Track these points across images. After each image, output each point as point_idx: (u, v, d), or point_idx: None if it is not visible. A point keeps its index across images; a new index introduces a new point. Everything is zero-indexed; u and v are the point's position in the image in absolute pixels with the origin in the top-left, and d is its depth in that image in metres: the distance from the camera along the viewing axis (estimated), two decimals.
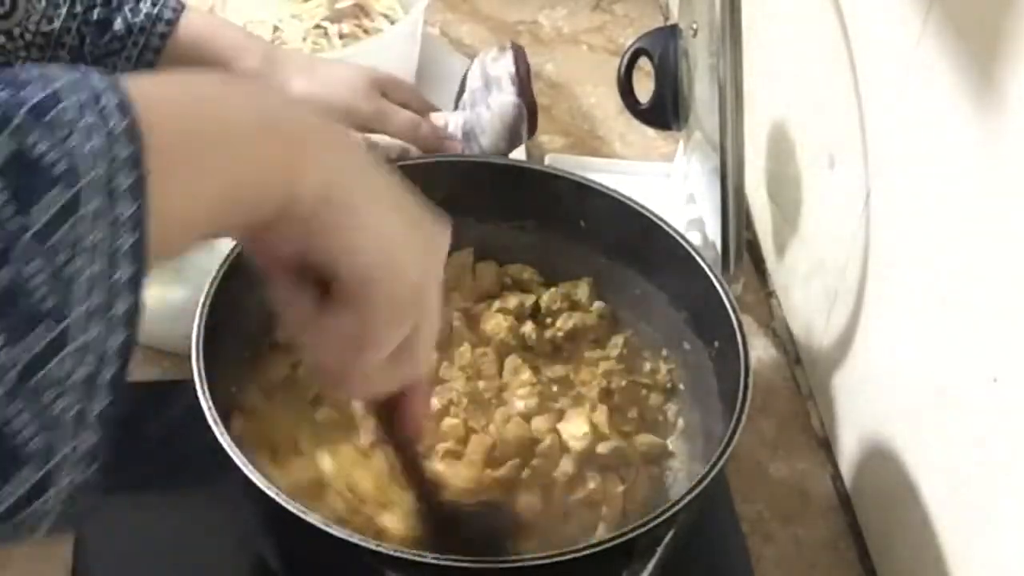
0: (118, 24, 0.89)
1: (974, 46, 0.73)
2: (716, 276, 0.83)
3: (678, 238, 0.86)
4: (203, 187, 0.47)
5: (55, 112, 0.41)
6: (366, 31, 1.16)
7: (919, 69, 0.80)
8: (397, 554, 0.66)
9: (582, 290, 0.91)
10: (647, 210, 0.87)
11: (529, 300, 0.90)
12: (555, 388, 0.86)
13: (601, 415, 0.84)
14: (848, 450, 0.95)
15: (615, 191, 0.89)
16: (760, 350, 1.06)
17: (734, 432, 0.73)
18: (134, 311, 0.43)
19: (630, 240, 0.88)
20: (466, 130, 0.92)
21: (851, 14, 0.91)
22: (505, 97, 0.89)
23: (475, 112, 0.91)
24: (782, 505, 0.94)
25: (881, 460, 0.89)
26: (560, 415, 0.84)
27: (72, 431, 0.42)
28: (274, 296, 0.57)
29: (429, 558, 0.66)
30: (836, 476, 0.96)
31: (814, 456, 0.98)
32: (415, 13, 1.14)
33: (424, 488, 0.71)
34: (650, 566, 0.70)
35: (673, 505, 0.70)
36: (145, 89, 0.45)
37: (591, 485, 0.80)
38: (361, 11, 1.17)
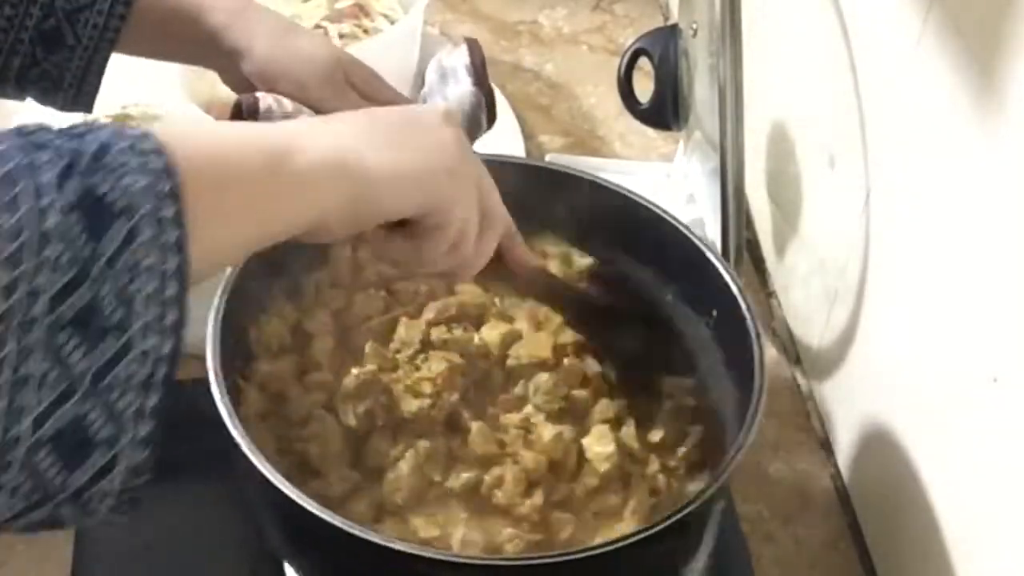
0: None
1: (974, 46, 0.73)
2: (719, 260, 0.84)
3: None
4: (232, 219, 0.56)
5: (109, 157, 0.49)
6: (366, 31, 1.16)
7: (919, 69, 0.80)
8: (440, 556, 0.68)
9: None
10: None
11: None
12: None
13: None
14: (848, 450, 0.95)
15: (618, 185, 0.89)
16: None
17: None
18: (180, 322, 0.50)
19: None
20: None
21: (851, 14, 0.91)
22: (462, 88, 0.89)
23: (433, 104, 0.91)
24: (782, 505, 0.94)
25: (881, 460, 0.89)
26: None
27: (133, 423, 0.50)
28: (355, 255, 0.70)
29: (449, 556, 0.69)
30: (836, 476, 0.96)
31: (814, 456, 0.98)
32: (415, 13, 1.14)
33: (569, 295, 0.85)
34: (708, 538, 0.69)
35: (725, 468, 0.70)
36: (174, 135, 0.53)
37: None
38: (361, 11, 1.17)
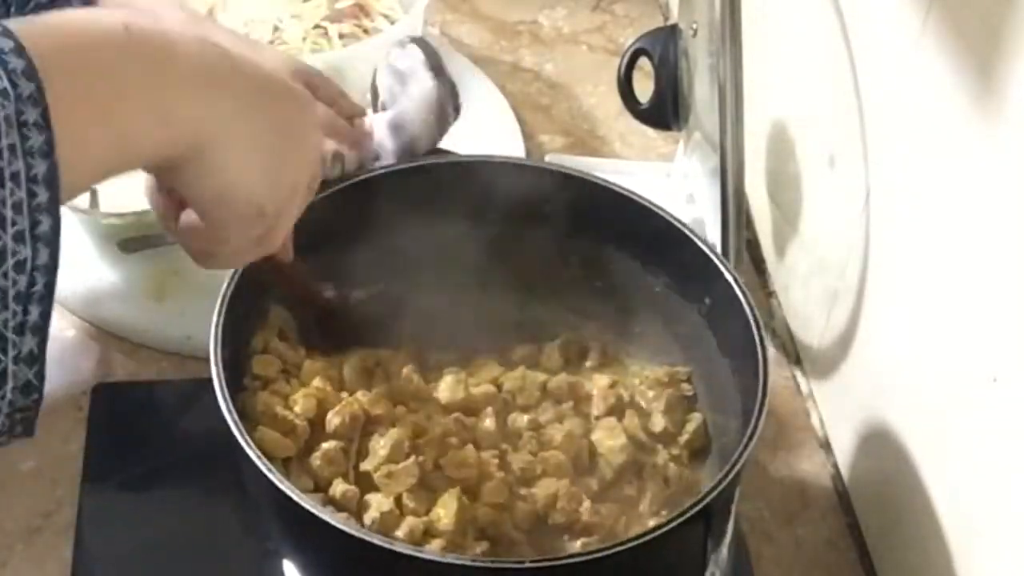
0: None
1: (974, 46, 0.73)
2: (709, 248, 0.84)
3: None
4: (96, 126, 0.53)
5: None
6: (366, 31, 1.17)
7: (919, 69, 0.80)
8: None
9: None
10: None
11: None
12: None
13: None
14: (848, 450, 0.95)
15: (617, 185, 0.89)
16: None
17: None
18: (55, 231, 0.49)
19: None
20: (393, 125, 0.91)
21: (851, 14, 0.91)
22: (424, 84, 0.89)
23: (398, 108, 0.91)
24: (782, 505, 0.95)
25: (881, 460, 0.89)
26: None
27: (17, 337, 0.49)
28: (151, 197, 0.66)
29: (456, 559, 0.68)
30: (836, 476, 0.97)
31: (814, 456, 0.98)
32: (415, 13, 1.14)
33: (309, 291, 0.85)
34: (728, 530, 0.70)
35: (738, 459, 0.71)
36: (35, 35, 0.50)
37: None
38: (361, 11, 1.17)
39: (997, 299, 0.72)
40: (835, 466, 0.97)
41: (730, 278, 0.82)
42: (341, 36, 1.14)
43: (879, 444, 0.89)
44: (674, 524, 0.68)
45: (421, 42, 0.91)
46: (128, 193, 1.02)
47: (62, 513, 0.88)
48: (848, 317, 0.94)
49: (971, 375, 0.75)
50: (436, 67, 0.89)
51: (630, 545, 0.67)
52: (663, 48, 1.06)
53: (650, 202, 0.88)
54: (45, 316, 0.50)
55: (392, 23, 1.17)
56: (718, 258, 0.84)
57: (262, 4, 1.14)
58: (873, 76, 0.89)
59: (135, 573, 0.86)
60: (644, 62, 1.08)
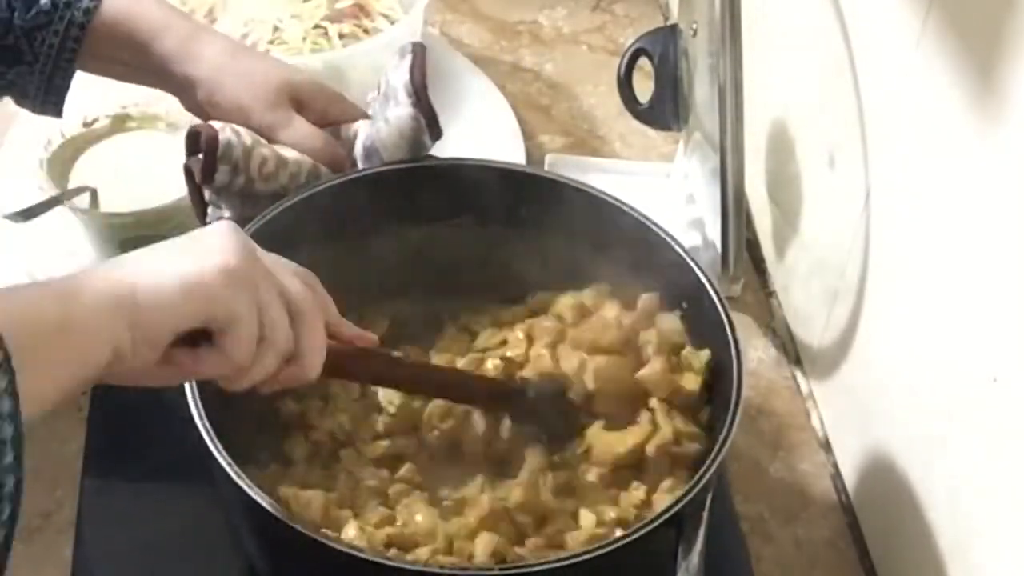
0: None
1: (974, 46, 0.73)
2: (682, 248, 0.84)
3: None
4: (42, 372, 0.57)
5: None
6: (366, 31, 1.17)
7: (919, 69, 0.80)
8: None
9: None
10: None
11: None
12: None
13: None
14: (848, 450, 0.96)
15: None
16: (760, 350, 1.06)
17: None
18: (19, 483, 0.56)
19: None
20: (366, 145, 0.91)
21: (851, 14, 0.92)
22: (402, 110, 0.88)
23: (375, 127, 0.91)
24: (782, 505, 0.95)
25: (881, 460, 0.89)
26: None
27: None
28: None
29: (436, 569, 0.69)
30: (836, 476, 0.97)
31: (814, 456, 0.98)
32: (415, 13, 1.15)
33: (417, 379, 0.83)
34: (700, 536, 0.70)
35: (708, 468, 0.71)
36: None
37: None
38: (361, 11, 1.18)
39: (997, 299, 0.72)
40: (835, 466, 0.97)
41: (704, 281, 0.82)
42: (341, 36, 1.15)
43: (879, 444, 0.89)
44: (645, 531, 0.69)
45: (416, 57, 0.90)
46: (128, 193, 1.03)
47: (62, 513, 0.89)
48: (848, 317, 0.94)
49: (971, 375, 0.75)
50: (419, 89, 0.88)
51: (601, 552, 0.68)
52: (663, 48, 1.06)
53: (629, 204, 0.88)
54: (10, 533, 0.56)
55: (392, 23, 1.17)
56: (693, 261, 0.84)
57: (262, 4, 1.15)
58: (873, 77, 0.89)
59: (134, 572, 0.86)
60: (644, 62, 1.08)
